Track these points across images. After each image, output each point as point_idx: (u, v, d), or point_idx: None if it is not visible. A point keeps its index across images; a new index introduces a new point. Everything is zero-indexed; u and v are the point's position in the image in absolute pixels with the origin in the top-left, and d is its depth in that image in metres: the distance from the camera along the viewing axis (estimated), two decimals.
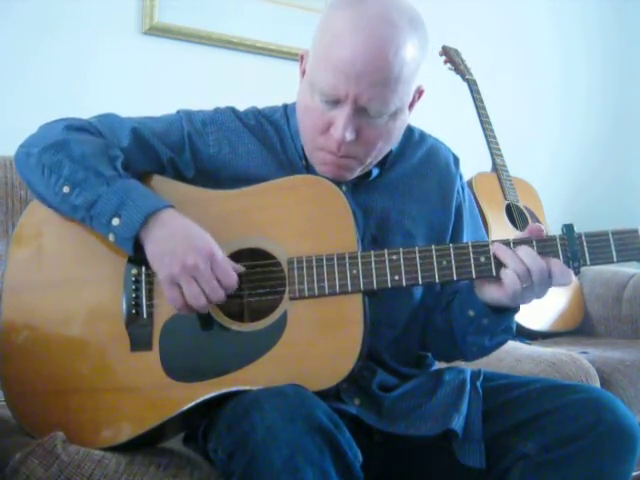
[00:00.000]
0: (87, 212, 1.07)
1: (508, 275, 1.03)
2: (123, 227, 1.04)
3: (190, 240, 1.03)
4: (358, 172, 1.16)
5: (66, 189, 1.07)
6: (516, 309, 1.13)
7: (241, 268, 1.08)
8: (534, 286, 1.04)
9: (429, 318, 1.24)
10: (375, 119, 1.08)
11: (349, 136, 1.07)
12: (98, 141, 1.13)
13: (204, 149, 1.20)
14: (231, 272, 1.04)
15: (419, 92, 1.15)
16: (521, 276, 1.03)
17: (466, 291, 1.15)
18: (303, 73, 1.15)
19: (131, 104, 1.58)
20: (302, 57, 1.16)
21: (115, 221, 1.04)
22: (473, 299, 1.12)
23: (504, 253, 1.05)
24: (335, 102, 1.06)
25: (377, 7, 1.05)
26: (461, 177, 1.32)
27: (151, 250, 1.05)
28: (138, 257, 1.07)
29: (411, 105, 1.15)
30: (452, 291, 1.23)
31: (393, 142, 1.17)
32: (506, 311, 1.12)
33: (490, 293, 1.08)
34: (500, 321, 1.13)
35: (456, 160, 1.32)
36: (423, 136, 1.31)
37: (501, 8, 2.88)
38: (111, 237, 1.06)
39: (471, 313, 1.13)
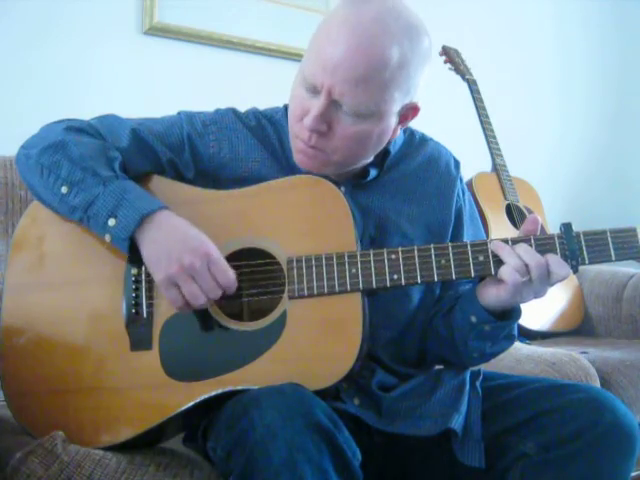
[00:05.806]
0: (84, 212, 1.07)
1: (506, 270, 1.04)
2: (119, 228, 1.04)
3: (186, 240, 1.03)
4: (334, 169, 1.15)
5: (64, 189, 1.08)
6: (518, 315, 1.13)
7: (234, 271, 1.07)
8: (533, 283, 1.04)
9: (430, 323, 1.24)
10: (348, 117, 1.07)
11: (317, 126, 1.07)
12: (97, 142, 1.13)
13: (204, 150, 1.20)
14: (228, 270, 1.04)
15: (413, 109, 1.14)
16: (519, 271, 1.03)
17: (468, 297, 1.15)
18: None
19: (131, 104, 1.58)
20: None
21: (111, 222, 1.05)
22: (475, 305, 1.12)
23: (502, 249, 1.05)
24: (314, 92, 1.07)
25: (376, 9, 1.04)
26: (461, 180, 1.32)
27: (147, 252, 1.05)
28: (136, 257, 1.07)
29: (403, 120, 1.15)
30: (454, 296, 1.22)
31: (370, 148, 1.14)
32: (508, 318, 1.12)
33: (491, 293, 1.08)
34: (502, 328, 1.13)
35: (457, 163, 1.32)
36: (424, 139, 1.31)
37: (501, 8, 2.88)
38: (107, 237, 1.06)
39: (473, 319, 1.13)
